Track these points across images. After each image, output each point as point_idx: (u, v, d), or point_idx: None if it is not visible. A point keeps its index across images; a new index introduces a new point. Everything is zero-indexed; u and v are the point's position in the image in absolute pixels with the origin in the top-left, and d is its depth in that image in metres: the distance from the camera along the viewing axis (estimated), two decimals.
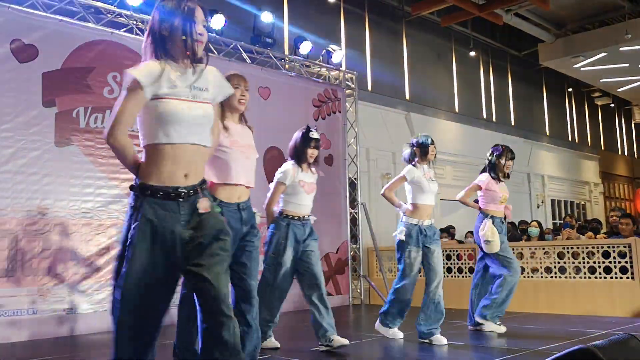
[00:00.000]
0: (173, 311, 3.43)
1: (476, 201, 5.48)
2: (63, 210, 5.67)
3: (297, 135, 4.53)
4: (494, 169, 5.31)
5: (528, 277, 6.91)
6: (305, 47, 8.17)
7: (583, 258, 6.66)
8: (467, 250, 7.63)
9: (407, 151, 4.98)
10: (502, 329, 5.16)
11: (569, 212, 14.50)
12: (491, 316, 5.15)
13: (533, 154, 13.71)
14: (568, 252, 6.78)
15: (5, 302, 5.20)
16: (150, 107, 2.21)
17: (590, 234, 7.91)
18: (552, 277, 6.84)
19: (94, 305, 5.69)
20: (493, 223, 5.20)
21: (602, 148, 17.08)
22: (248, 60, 7.55)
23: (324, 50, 8.48)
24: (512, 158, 5.37)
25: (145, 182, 2.20)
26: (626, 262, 6.32)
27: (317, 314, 4.34)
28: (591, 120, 16.79)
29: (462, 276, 7.53)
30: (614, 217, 7.44)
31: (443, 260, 7.64)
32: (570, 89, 15.70)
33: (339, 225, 8.33)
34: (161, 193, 2.19)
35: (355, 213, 8.59)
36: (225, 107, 3.40)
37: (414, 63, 11.25)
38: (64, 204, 5.69)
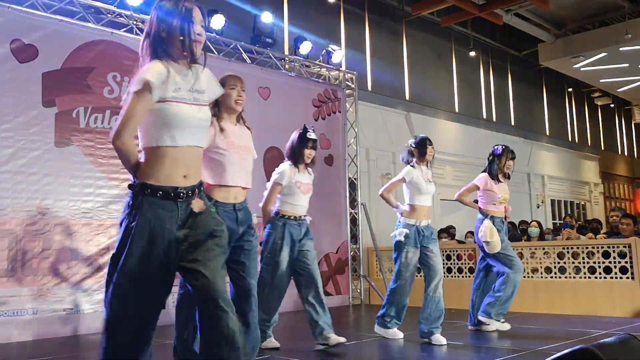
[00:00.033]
0: (173, 311, 3.45)
1: (476, 201, 5.47)
2: (63, 210, 5.67)
3: (294, 135, 4.52)
4: (494, 169, 5.30)
5: (528, 277, 6.90)
6: (305, 47, 8.17)
7: (583, 258, 6.66)
8: (467, 250, 7.63)
9: (405, 152, 5.00)
10: (507, 326, 5.16)
11: (569, 212, 14.50)
12: (495, 314, 5.14)
13: (533, 154, 13.71)
14: (568, 252, 6.78)
15: (5, 302, 5.20)
16: (156, 110, 2.21)
17: (590, 234, 7.91)
18: (552, 277, 6.84)
19: (94, 305, 5.69)
20: (493, 223, 5.19)
21: (602, 148, 17.08)
22: (248, 60, 7.55)
23: (324, 50, 8.49)
24: (513, 158, 5.38)
25: (145, 181, 2.20)
26: (626, 262, 6.32)
27: (314, 313, 4.35)
28: (591, 120, 16.79)
29: (462, 276, 7.53)
30: (614, 217, 7.44)
31: (443, 260, 7.69)
32: (570, 89, 15.70)
33: (339, 225, 8.33)
34: (161, 192, 2.20)
35: (355, 213, 8.59)
36: (222, 108, 3.40)
37: (414, 63, 11.25)
38: (64, 204, 5.69)
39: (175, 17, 2.25)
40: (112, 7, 6.25)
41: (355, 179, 8.69)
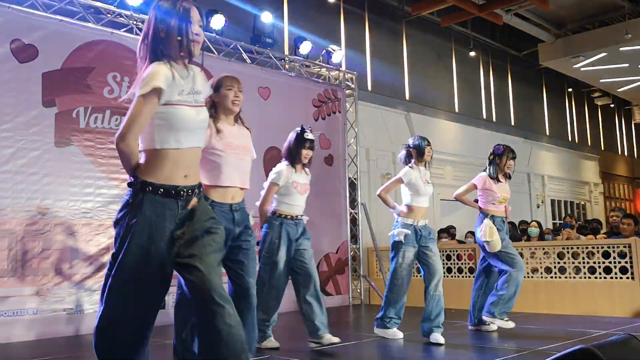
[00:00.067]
0: (172, 311, 3.45)
1: (476, 201, 5.46)
2: (63, 210, 5.67)
3: (292, 135, 4.53)
4: (494, 169, 5.29)
5: (528, 277, 6.90)
6: (305, 47, 8.17)
7: (583, 258, 6.66)
8: (467, 250, 7.63)
9: (403, 153, 5.01)
10: (510, 324, 5.12)
11: (569, 212, 14.50)
12: (499, 312, 5.11)
13: (533, 154, 13.71)
14: (568, 252, 6.78)
15: (5, 302, 5.20)
16: (162, 114, 2.22)
17: (590, 235, 7.91)
18: (552, 277, 6.84)
19: (94, 305, 5.68)
20: (494, 222, 5.18)
21: (602, 148, 17.08)
22: (248, 61, 7.55)
23: (324, 51, 8.49)
24: (514, 158, 5.35)
25: (145, 179, 2.21)
26: (626, 262, 6.32)
27: (311, 312, 4.38)
28: (591, 120, 16.79)
29: (462, 276, 7.53)
30: (614, 218, 7.44)
31: (443, 260, 7.71)
32: (570, 89, 15.70)
33: (339, 225, 8.33)
34: (162, 190, 2.21)
35: (355, 213, 8.59)
36: (219, 109, 3.40)
37: (414, 63, 11.25)
38: (64, 204, 5.69)
39: (173, 17, 2.26)
40: (112, 7, 6.25)
41: (355, 179, 8.69)
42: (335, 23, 9.90)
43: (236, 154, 3.37)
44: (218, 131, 3.31)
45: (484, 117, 12.83)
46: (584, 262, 6.64)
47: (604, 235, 7.61)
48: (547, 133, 14.84)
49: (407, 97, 11.03)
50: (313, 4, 9.57)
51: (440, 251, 7.68)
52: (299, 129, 4.51)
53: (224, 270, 2.94)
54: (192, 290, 2.19)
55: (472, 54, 12.31)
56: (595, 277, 6.52)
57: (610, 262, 6.43)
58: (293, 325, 6.01)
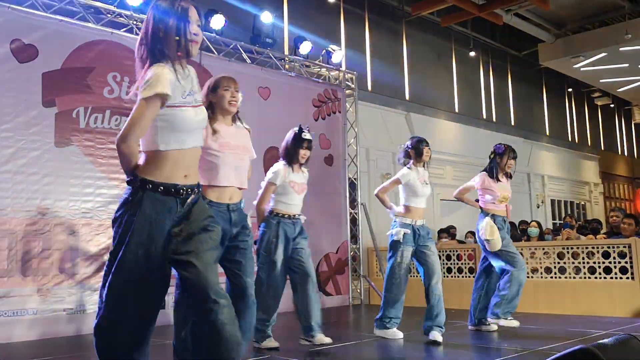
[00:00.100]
0: (171, 311, 3.45)
1: (477, 201, 5.46)
2: (63, 210, 5.67)
3: (290, 135, 4.55)
4: (494, 168, 5.27)
5: (528, 277, 6.88)
6: (305, 47, 8.17)
7: (583, 258, 6.65)
8: (467, 250, 7.63)
9: (401, 153, 5.02)
10: (515, 323, 5.11)
11: (569, 212, 14.50)
12: (503, 312, 5.10)
13: (533, 154, 13.71)
14: (568, 252, 6.78)
15: (4, 302, 5.20)
16: (165, 115, 2.22)
17: (590, 235, 7.91)
18: (552, 277, 6.84)
19: (94, 305, 5.68)
20: (494, 221, 5.15)
21: (602, 148, 17.08)
22: (248, 61, 7.55)
23: (324, 51, 8.49)
24: (514, 158, 5.32)
25: (145, 177, 2.21)
26: (626, 262, 6.32)
27: (306, 311, 4.41)
28: (591, 120, 16.79)
29: (462, 276, 7.53)
30: (614, 218, 7.44)
31: (443, 260, 7.71)
32: (570, 89, 15.70)
33: (339, 225, 8.33)
34: (162, 188, 2.21)
35: (355, 213, 8.59)
36: (216, 109, 3.41)
37: (414, 63, 11.25)
38: (64, 204, 5.69)
39: (172, 17, 2.25)
40: (112, 7, 6.25)
41: (355, 179, 8.69)
42: (335, 23, 9.90)
43: (234, 153, 3.38)
44: (214, 132, 3.32)
45: (484, 117, 12.83)
46: (583, 262, 6.64)
47: (604, 236, 7.60)
48: (547, 133, 14.84)
49: (407, 97, 11.03)
50: (313, 4, 9.57)
51: (440, 251, 7.76)
52: (296, 128, 4.53)
53: (221, 270, 2.95)
54: (187, 286, 2.19)
55: (472, 54, 12.31)
56: (595, 277, 6.52)
57: (610, 262, 6.43)
58: (293, 325, 6.00)
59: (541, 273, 6.94)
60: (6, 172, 5.37)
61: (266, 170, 6.92)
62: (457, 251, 7.74)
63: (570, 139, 15.79)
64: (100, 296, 2.23)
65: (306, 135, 4.50)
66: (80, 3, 6.03)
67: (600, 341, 1.85)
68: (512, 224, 9.01)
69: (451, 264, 7.71)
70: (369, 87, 10.20)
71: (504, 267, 5.13)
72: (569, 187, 15.10)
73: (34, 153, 5.55)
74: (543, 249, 7.02)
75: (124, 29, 6.34)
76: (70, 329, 5.54)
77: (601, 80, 14.05)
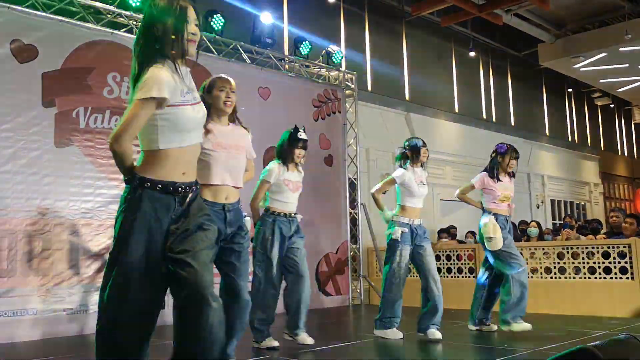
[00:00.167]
0: (171, 311, 3.45)
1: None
2: (63, 210, 5.67)
3: (285, 135, 4.59)
4: (495, 167, 5.20)
5: (528, 277, 6.89)
6: (305, 48, 8.17)
7: (583, 258, 6.65)
8: (467, 251, 7.63)
9: (398, 154, 5.05)
10: (527, 326, 4.94)
11: (569, 212, 14.50)
12: (512, 317, 4.95)
13: (533, 154, 13.71)
14: (568, 252, 6.78)
15: (4, 302, 5.20)
16: (165, 115, 2.22)
17: (590, 235, 7.90)
18: (551, 277, 6.84)
19: (94, 305, 5.69)
20: (496, 221, 5.08)
21: (602, 148, 17.08)
22: (248, 61, 7.55)
23: (324, 51, 8.49)
24: (516, 157, 5.24)
25: (144, 175, 2.21)
26: (626, 262, 6.32)
27: (296, 311, 4.47)
28: (591, 120, 16.79)
29: (462, 276, 7.53)
30: (615, 218, 7.43)
31: (443, 260, 7.71)
32: (570, 89, 15.70)
33: (339, 225, 8.33)
34: (160, 186, 2.21)
35: (355, 213, 8.59)
36: (212, 110, 3.42)
37: (414, 63, 11.25)
38: (64, 204, 5.69)
39: (170, 16, 2.25)
40: (112, 7, 6.25)
41: (355, 179, 8.69)
42: (335, 23, 9.90)
43: (227, 152, 3.40)
44: (207, 132, 3.33)
45: (484, 117, 12.83)
46: (583, 263, 6.64)
47: (604, 236, 7.60)
48: (547, 133, 14.84)
49: (407, 97, 11.04)
50: (313, 4, 9.57)
51: (440, 251, 7.77)
52: (292, 128, 4.57)
53: (216, 271, 2.95)
54: (182, 285, 2.18)
55: (472, 54, 12.30)
56: (595, 278, 6.52)
57: (610, 263, 6.43)
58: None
59: (541, 273, 6.94)
60: (6, 172, 5.37)
61: None
62: (457, 251, 7.74)
63: (570, 139, 15.79)
64: (101, 298, 2.22)
65: (302, 135, 4.56)
66: (80, 3, 6.03)
67: (600, 341, 1.85)
68: (512, 224, 9.02)
69: (451, 264, 7.71)
70: (369, 87, 10.20)
71: (502, 268, 5.06)
72: (568, 187, 15.10)
73: (34, 153, 5.55)
74: (543, 249, 7.03)
75: (124, 29, 6.34)
76: (71, 329, 5.53)
77: (601, 80, 14.05)
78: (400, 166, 4.99)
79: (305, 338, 4.47)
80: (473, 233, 9.15)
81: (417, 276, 5.09)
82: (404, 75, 11.10)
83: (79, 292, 5.66)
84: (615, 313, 6.22)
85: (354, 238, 8.54)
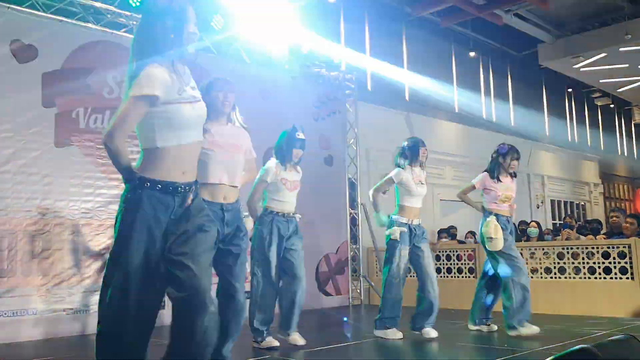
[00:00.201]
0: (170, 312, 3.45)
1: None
2: (63, 210, 5.67)
3: (283, 135, 4.64)
4: (495, 168, 5.18)
5: (528, 278, 6.89)
6: (305, 48, 8.16)
7: (583, 258, 6.65)
8: (467, 251, 7.63)
9: (397, 153, 5.06)
10: (536, 329, 4.89)
11: (569, 212, 14.49)
12: (518, 322, 4.90)
13: (533, 154, 13.71)
14: (568, 252, 6.78)
15: (4, 302, 5.20)
16: (162, 113, 2.22)
17: (590, 235, 7.90)
18: (551, 277, 6.84)
19: (94, 305, 5.69)
20: (498, 221, 5.03)
21: (602, 148, 17.07)
22: (248, 61, 7.55)
23: (324, 51, 8.48)
24: (518, 158, 5.22)
25: (144, 175, 2.21)
26: (626, 262, 6.32)
27: (289, 311, 4.50)
28: (591, 120, 16.78)
29: (462, 276, 7.53)
30: (615, 218, 7.44)
31: (443, 260, 7.71)
32: (570, 90, 15.70)
33: (339, 225, 8.33)
34: (160, 186, 2.21)
35: (355, 213, 8.59)
36: (210, 110, 3.42)
37: (414, 63, 11.24)
38: (64, 204, 5.69)
39: (169, 15, 2.25)
40: (112, 8, 6.25)
41: (355, 179, 8.69)
42: (335, 23, 9.89)
43: (224, 151, 3.40)
44: (204, 131, 3.33)
45: (484, 117, 12.83)
46: (583, 263, 6.64)
47: (604, 236, 7.60)
48: (547, 133, 14.83)
49: (407, 97, 11.03)
50: (313, 4, 9.56)
51: (440, 251, 7.76)
52: (290, 128, 4.60)
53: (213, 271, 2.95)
54: (180, 288, 2.18)
55: (472, 54, 12.30)
56: (595, 278, 6.52)
57: (610, 263, 6.43)
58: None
59: (541, 273, 6.94)
60: (6, 172, 5.37)
61: None
62: (457, 251, 7.74)
63: (570, 139, 15.78)
64: (102, 298, 2.22)
65: (299, 135, 4.59)
66: (80, 3, 6.03)
67: (600, 341, 1.85)
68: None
69: (451, 264, 7.71)
70: (369, 87, 10.20)
71: (500, 270, 4.99)
72: (568, 188, 15.09)
73: (33, 153, 5.55)
74: (543, 249, 7.03)
75: (124, 30, 6.34)
76: (71, 329, 5.53)
77: (601, 81, 14.04)
78: (399, 165, 5.00)
79: (297, 338, 4.49)
80: (473, 233, 9.15)
81: (415, 275, 5.09)
82: (404, 75, 11.09)
83: (79, 292, 5.66)
84: (615, 313, 6.22)
85: (354, 238, 8.54)
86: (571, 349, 1.73)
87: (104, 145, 2.20)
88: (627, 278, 6.30)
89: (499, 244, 4.96)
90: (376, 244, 8.39)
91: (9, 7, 5.51)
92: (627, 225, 6.76)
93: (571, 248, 6.78)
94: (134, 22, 6.41)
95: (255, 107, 7.23)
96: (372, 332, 4.97)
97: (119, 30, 6.29)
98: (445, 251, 7.80)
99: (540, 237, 8.45)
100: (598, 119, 17.20)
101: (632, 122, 18.16)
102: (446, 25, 11.43)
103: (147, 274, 2.18)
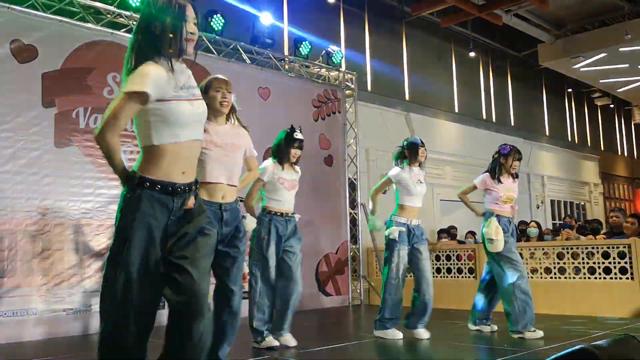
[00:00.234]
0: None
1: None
2: (63, 210, 5.67)
3: (281, 134, 4.64)
4: (497, 169, 5.14)
5: (528, 280, 6.89)
6: (305, 48, 8.18)
7: (582, 259, 6.65)
8: (467, 251, 7.63)
9: (396, 153, 5.07)
10: (540, 333, 4.83)
11: (569, 212, 14.49)
12: (522, 327, 4.83)
13: (533, 154, 13.71)
14: (567, 252, 6.78)
15: (5, 302, 5.20)
16: (156, 110, 2.21)
17: (590, 235, 7.91)
18: (551, 277, 6.84)
19: (94, 305, 5.68)
20: (499, 222, 4.98)
21: (602, 148, 17.08)
22: (248, 61, 7.55)
23: (324, 51, 8.49)
24: (519, 159, 5.18)
25: (143, 175, 2.21)
26: (625, 262, 6.32)
27: (283, 313, 4.52)
28: (591, 120, 16.79)
29: (462, 276, 7.52)
30: (614, 218, 7.44)
31: (443, 260, 7.71)
32: (569, 90, 15.70)
33: (339, 225, 8.33)
34: (159, 187, 2.20)
35: (355, 213, 8.59)
36: (208, 110, 3.42)
37: (413, 63, 11.25)
38: (64, 204, 5.69)
39: (168, 14, 2.24)
40: (111, 8, 6.25)
41: (355, 179, 8.69)
42: (335, 23, 9.90)
43: (221, 150, 3.40)
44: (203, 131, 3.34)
45: (484, 117, 12.84)
46: (583, 263, 6.64)
47: (604, 236, 7.60)
48: (547, 133, 14.84)
49: (407, 98, 11.04)
50: (313, 4, 9.57)
51: (440, 251, 7.76)
52: (289, 128, 4.61)
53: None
54: (178, 292, 2.18)
55: (472, 54, 12.31)
56: (595, 278, 6.52)
57: (609, 263, 6.43)
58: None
59: (541, 273, 6.94)
60: (6, 172, 5.37)
61: None
62: (457, 251, 7.74)
63: (570, 139, 15.79)
64: (103, 298, 2.22)
65: (298, 135, 4.60)
66: (80, 3, 6.03)
67: (600, 341, 1.85)
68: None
69: (451, 264, 7.70)
70: (369, 88, 10.20)
71: (499, 274, 4.95)
72: (568, 188, 15.10)
73: (33, 153, 5.55)
74: (542, 249, 7.03)
75: (124, 30, 6.34)
76: (70, 329, 5.53)
77: (601, 81, 14.04)
78: (396, 165, 5.01)
79: (289, 339, 4.51)
80: (473, 233, 9.16)
81: (410, 276, 5.11)
82: (404, 75, 11.10)
83: (79, 292, 5.66)
84: (615, 313, 6.22)
85: (354, 238, 8.54)
86: (571, 349, 1.73)
87: (96, 142, 2.20)
88: (627, 278, 6.30)
89: (499, 246, 4.92)
90: (376, 244, 8.39)
91: (9, 7, 5.51)
92: (628, 225, 6.76)
93: (571, 248, 6.78)
94: (134, 22, 6.41)
95: (255, 107, 7.24)
96: (371, 333, 4.97)
97: (119, 30, 6.29)
98: (445, 251, 7.79)
99: (540, 237, 8.45)
100: (598, 119, 17.21)
101: (632, 122, 18.17)
102: (446, 25, 11.43)
103: (147, 273, 2.18)
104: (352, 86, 8.85)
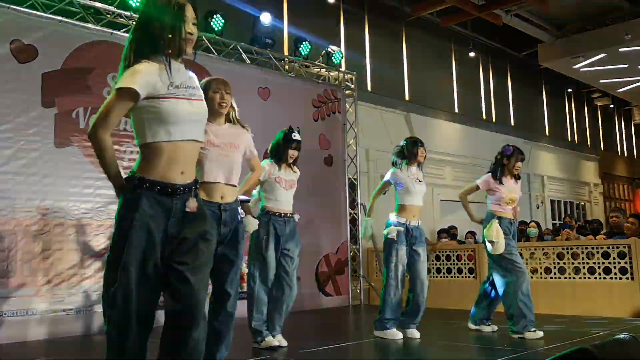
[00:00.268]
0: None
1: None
2: (63, 210, 5.67)
3: (280, 135, 4.65)
4: (499, 169, 5.11)
5: (529, 281, 6.89)
6: (304, 48, 8.17)
7: (582, 259, 6.66)
8: (467, 251, 7.63)
9: (395, 152, 5.07)
10: (540, 333, 4.82)
11: (569, 212, 14.49)
12: (523, 327, 4.83)
13: (533, 154, 13.71)
14: (567, 252, 6.78)
15: (4, 303, 5.20)
16: (150, 107, 2.21)
17: (590, 236, 7.91)
18: (551, 277, 6.84)
19: (94, 305, 5.69)
20: (500, 224, 4.96)
21: (602, 149, 17.08)
22: (247, 61, 7.55)
23: (324, 51, 8.49)
24: (522, 160, 5.17)
25: (143, 175, 2.20)
26: (625, 262, 6.32)
27: (277, 315, 4.54)
28: (591, 120, 16.79)
29: (462, 276, 7.52)
30: (614, 218, 7.44)
31: (443, 260, 7.71)
32: (569, 90, 15.70)
33: (339, 225, 8.33)
34: (158, 187, 2.20)
35: (355, 214, 8.59)
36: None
37: (413, 63, 11.25)
38: (64, 205, 5.69)
39: (167, 14, 2.24)
40: (111, 8, 6.25)
41: (355, 179, 8.69)
42: (335, 23, 9.90)
43: (220, 149, 3.40)
44: None
45: (484, 117, 12.83)
46: (583, 263, 6.64)
47: (604, 236, 7.60)
48: (547, 133, 14.84)
49: (407, 98, 11.03)
50: (313, 4, 9.57)
51: (440, 251, 7.76)
52: (287, 129, 4.63)
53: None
54: (176, 298, 2.18)
55: (472, 54, 12.31)
56: (595, 278, 6.52)
57: (609, 263, 6.44)
58: (291, 325, 6.00)
59: (541, 273, 6.94)
60: (6, 172, 5.37)
61: None
62: (457, 251, 7.74)
63: (570, 140, 15.79)
64: (104, 299, 2.21)
65: (295, 136, 4.61)
66: (80, 3, 6.03)
67: (600, 341, 1.85)
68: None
69: (451, 264, 7.71)
70: (369, 88, 10.20)
71: (499, 276, 4.94)
72: (568, 188, 15.10)
73: (33, 154, 5.55)
74: (542, 249, 7.03)
75: (124, 30, 6.33)
76: (70, 330, 5.53)
77: (601, 81, 14.04)
78: (394, 165, 5.02)
79: (281, 341, 4.53)
80: (473, 233, 9.15)
81: (407, 276, 5.11)
82: (404, 75, 11.10)
83: (80, 292, 5.66)
84: (615, 313, 6.22)
85: (354, 238, 8.54)
86: (571, 349, 1.73)
87: (88, 139, 2.19)
88: (627, 278, 6.30)
89: (500, 248, 4.90)
90: (376, 245, 8.39)
91: (9, 7, 5.51)
92: (629, 225, 6.76)
93: (571, 248, 6.78)
94: (134, 22, 6.40)
95: (255, 107, 7.24)
96: (371, 333, 4.97)
97: (119, 30, 6.28)
98: (445, 251, 7.79)
99: (540, 237, 8.45)
100: (598, 119, 17.21)
101: (632, 122, 18.17)
102: (446, 25, 11.43)
103: (146, 275, 2.18)
104: (352, 86, 8.85)
